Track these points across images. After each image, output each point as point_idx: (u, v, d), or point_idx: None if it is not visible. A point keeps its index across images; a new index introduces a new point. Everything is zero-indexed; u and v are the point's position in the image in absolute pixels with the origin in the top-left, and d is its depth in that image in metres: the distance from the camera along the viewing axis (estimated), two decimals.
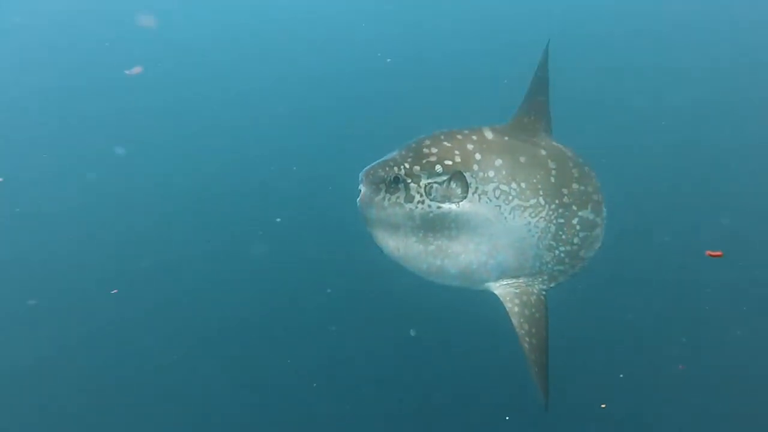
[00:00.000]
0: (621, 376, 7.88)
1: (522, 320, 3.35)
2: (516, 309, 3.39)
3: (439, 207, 3.29)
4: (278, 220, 9.96)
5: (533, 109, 3.63)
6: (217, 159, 11.90)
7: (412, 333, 7.72)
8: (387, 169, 3.31)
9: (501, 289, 3.47)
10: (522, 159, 3.40)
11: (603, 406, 7.71)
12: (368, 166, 3.40)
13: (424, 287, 3.68)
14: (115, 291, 9.18)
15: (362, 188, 3.39)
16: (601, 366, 7.82)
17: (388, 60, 15.10)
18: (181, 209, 10.77)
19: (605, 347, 7.92)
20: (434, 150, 3.32)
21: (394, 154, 3.40)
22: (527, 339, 3.28)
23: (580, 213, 3.48)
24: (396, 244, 3.40)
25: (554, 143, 3.60)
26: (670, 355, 7.75)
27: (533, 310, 3.40)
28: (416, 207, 3.29)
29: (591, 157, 3.71)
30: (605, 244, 3.59)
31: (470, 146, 3.35)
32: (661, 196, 9.78)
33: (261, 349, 8.28)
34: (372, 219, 3.40)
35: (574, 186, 3.49)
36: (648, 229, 9.02)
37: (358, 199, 3.41)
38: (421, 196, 3.29)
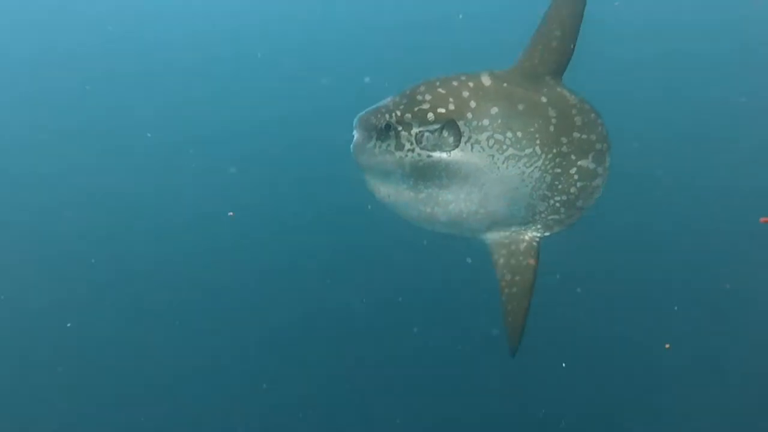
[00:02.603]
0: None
1: (505, 271, 3.37)
2: (501, 260, 3.41)
3: (429, 156, 3.28)
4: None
5: (539, 52, 3.38)
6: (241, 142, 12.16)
7: (469, 260, 8.00)
8: (379, 116, 3.31)
9: (491, 237, 3.47)
10: (520, 107, 3.29)
11: (667, 346, 7.85)
12: (362, 112, 3.40)
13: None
14: (232, 214, 9.81)
15: (355, 134, 3.42)
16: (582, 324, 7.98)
17: (460, 16, 14.32)
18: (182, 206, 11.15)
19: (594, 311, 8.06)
20: (428, 97, 3.26)
21: (389, 100, 3.37)
22: (507, 290, 3.32)
23: (579, 162, 3.37)
24: (387, 191, 3.44)
25: (559, 89, 3.37)
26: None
27: (521, 258, 3.39)
28: (406, 155, 3.30)
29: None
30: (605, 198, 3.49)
31: (466, 93, 3.26)
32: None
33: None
34: (364, 165, 3.45)
35: (575, 134, 3.35)
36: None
37: (351, 145, 3.45)
38: (412, 144, 3.28)
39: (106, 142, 12.55)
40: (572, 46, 3.34)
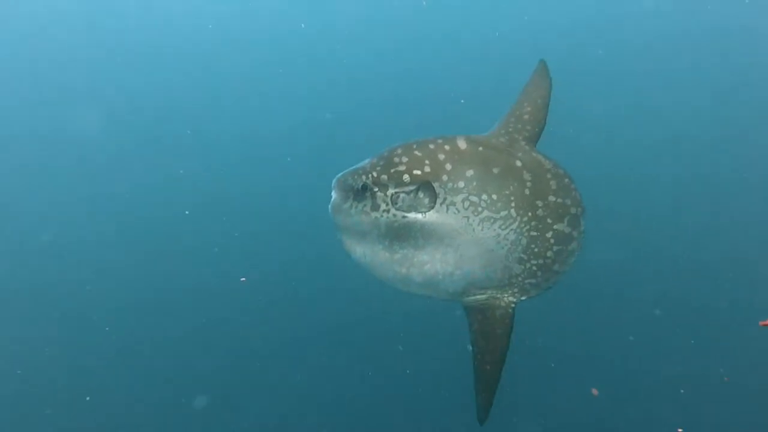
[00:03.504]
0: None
1: (479, 337, 3.32)
2: (476, 325, 3.36)
3: (404, 216, 3.31)
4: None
5: (515, 122, 3.60)
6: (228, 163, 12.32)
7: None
8: (356, 177, 3.37)
9: (467, 301, 3.44)
10: (495, 170, 3.35)
11: (680, 431, 7.62)
12: (340, 174, 3.47)
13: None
14: (243, 279, 9.76)
15: (333, 195, 3.47)
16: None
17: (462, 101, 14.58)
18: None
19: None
20: (404, 159, 3.33)
21: (367, 162, 3.44)
22: (479, 356, 3.26)
23: (555, 226, 3.39)
24: (363, 251, 3.45)
25: (534, 154, 3.47)
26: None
27: (495, 325, 3.34)
28: (382, 216, 3.33)
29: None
30: (582, 258, 3.49)
31: (442, 156, 3.33)
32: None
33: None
34: (340, 225, 3.48)
35: (551, 198, 3.39)
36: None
37: (329, 206, 3.49)
38: (387, 205, 3.31)
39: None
40: (543, 120, 3.63)
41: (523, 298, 3.46)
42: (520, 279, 3.41)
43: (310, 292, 9.86)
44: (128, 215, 11.82)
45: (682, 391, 8.41)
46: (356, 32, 17.94)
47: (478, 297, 3.43)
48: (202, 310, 9.88)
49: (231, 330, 9.65)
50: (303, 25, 17.38)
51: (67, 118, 14.12)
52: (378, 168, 3.34)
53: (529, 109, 3.64)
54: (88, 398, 9.03)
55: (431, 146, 3.36)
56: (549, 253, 3.39)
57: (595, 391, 7.87)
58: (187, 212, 11.53)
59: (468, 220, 3.30)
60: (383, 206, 3.31)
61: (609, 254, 8.69)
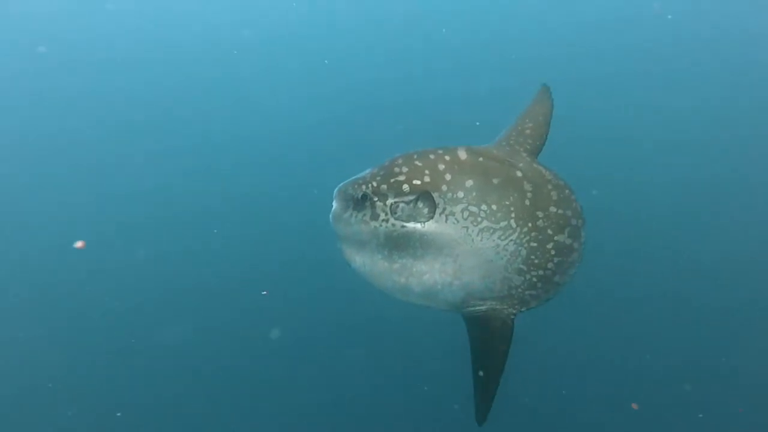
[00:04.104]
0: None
1: (477, 347, 3.32)
2: (475, 336, 3.35)
3: (403, 226, 3.30)
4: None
5: (516, 135, 3.64)
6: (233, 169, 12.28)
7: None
8: (356, 186, 3.37)
9: (466, 312, 3.43)
10: (495, 180, 3.33)
11: None
12: (341, 183, 3.47)
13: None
14: (265, 292, 9.77)
15: (334, 204, 3.47)
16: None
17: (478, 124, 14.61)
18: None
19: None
20: (405, 169, 3.32)
21: (367, 172, 3.44)
22: (478, 366, 3.26)
23: (556, 237, 3.36)
24: (362, 260, 3.44)
25: (534, 165, 3.46)
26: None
27: (494, 337, 3.33)
28: (381, 225, 3.32)
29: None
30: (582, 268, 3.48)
31: (441, 166, 3.32)
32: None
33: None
34: (341, 235, 3.47)
35: (552, 209, 3.37)
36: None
37: (330, 215, 3.49)
38: (386, 214, 3.31)
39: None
40: (544, 135, 3.68)
41: (522, 309, 3.44)
42: (519, 290, 3.40)
43: (311, 293, 9.86)
44: (129, 216, 11.80)
45: (682, 389, 8.44)
46: (365, 38, 17.94)
47: (478, 308, 3.41)
48: (202, 310, 9.90)
49: (231, 331, 9.65)
50: (326, 61, 17.21)
51: (68, 119, 14.12)
52: (378, 178, 3.33)
53: (530, 125, 3.68)
54: (88, 399, 9.04)
55: (432, 156, 3.35)
56: (549, 265, 3.37)
57: (635, 406, 7.89)
58: (215, 231, 11.42)
59: (467, 231, 3.29)
60: (382, 216, 3.31)
61: (609, 255, 8.70)
